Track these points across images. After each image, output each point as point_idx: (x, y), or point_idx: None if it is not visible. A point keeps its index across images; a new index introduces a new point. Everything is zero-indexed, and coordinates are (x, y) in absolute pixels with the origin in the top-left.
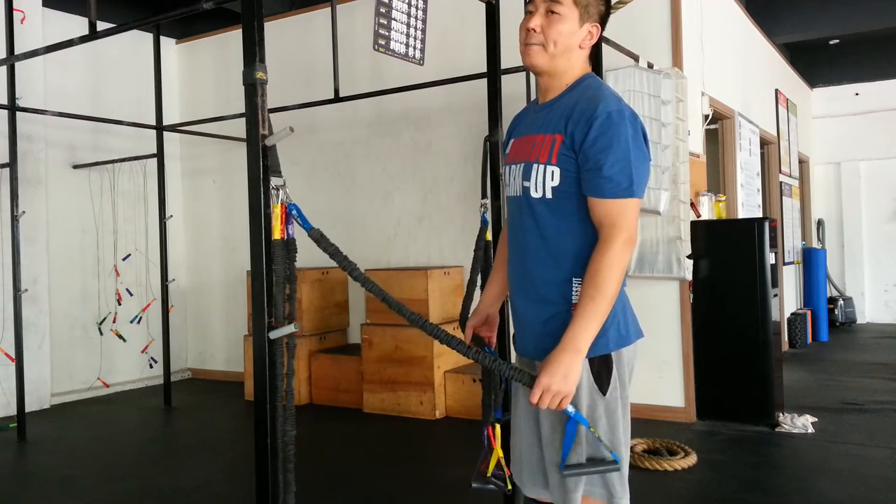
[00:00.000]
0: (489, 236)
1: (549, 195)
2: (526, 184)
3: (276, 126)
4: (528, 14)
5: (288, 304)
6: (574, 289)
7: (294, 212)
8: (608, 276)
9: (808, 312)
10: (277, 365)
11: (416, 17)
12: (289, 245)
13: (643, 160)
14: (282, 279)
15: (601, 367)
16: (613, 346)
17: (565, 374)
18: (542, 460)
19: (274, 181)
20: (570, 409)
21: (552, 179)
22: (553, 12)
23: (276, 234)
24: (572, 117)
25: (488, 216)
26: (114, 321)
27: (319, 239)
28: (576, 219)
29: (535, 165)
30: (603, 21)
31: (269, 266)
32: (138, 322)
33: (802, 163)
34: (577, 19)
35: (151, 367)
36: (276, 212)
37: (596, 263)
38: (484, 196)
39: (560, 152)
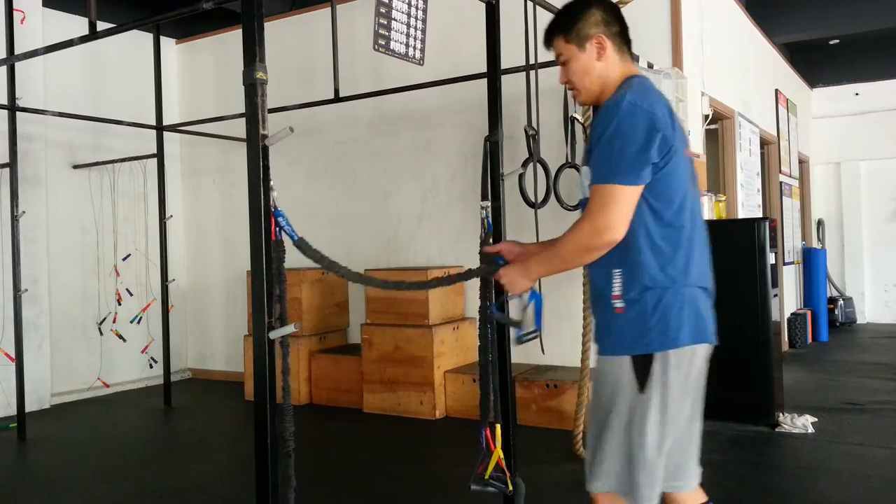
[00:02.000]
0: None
1: (587, 193)
2: (583, 188)
3: (276, 126)
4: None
5: (279, 305)
6: (614, 281)
7: (281, 219)
8: (566, 245)
9: (808, 312)
10: (283, 364)
11: (416, 17)
12: (277, 246)
13: (629, 144)
14: (274, 280)
15: (640, 365)
16: (657, 346)
17: (513, 277)
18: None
19: None
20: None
21: (587, 178)
22: (563, 64)
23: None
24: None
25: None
26: (114, 321)
27: (302, 246)
28: None
29: (582, 168)
30: (601, 23)
31: (270, 266)
32: (138, 322)
33: (802, 163)
34: (577, 50)
35: (151, 367)
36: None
37: (568, 230)
38: (484, 198)
39: (589, 152)
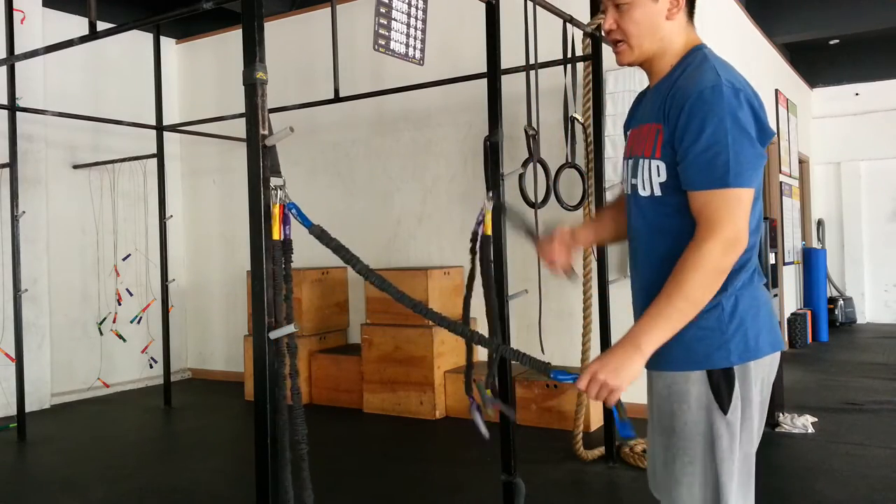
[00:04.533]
0: (489, 230)
1: (657, 192)
2: (633, 181)
3: (275, 126)
4: (602, 16)
5: (286, 305)
6: None
7: (294, 210)
8: (691, 278)
9: (808, 312)
10: (283, 364)
11: (416, 17)
12: (286, 246)
13: (746, 142)
14: (280, 280)
15: (721, 382)
16: (737, 358)
17: (616, 368)
18: (653, 467)
19: (273, 181)
20: (619, 415)
21: (658, 175)
22: (620, 4)
23: (275, 235)
24: (667, 102)
25: (487, 215)
26: (114, 321)
27: (321, 235)
28: (687, 218)
29: (641, 161)
30: None
31: (270, 266)
32: (138, 322)
33: (802, 163)
34: None
35: (151, 367)
36: (275, 212)
37: (682, 261)
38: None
39: (662, 144)
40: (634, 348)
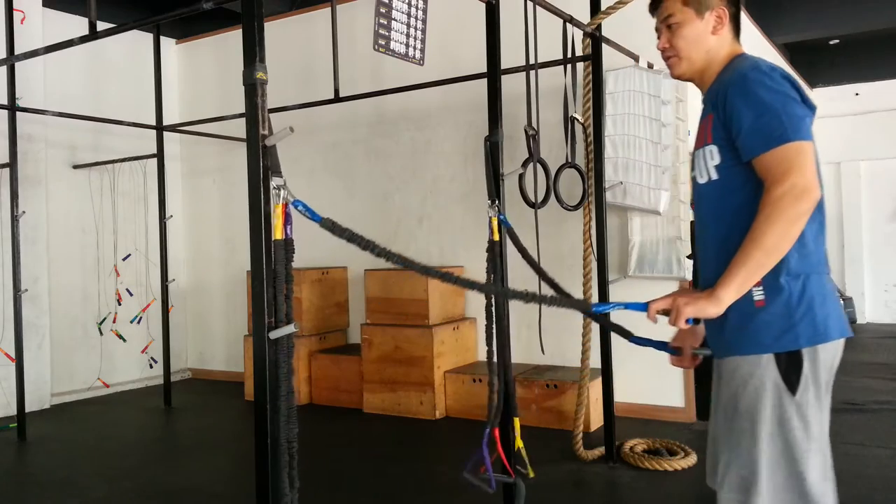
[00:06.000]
0: (497, 236)
1: (713, 175)
2: (693, 173)
3: (276, 126)
4: (658, 34)
5: (286, 304)
6: None
7: (300, 207)
8: (764, 226)
9: None
10: (281, 364)
11: (416, 17)
12: (287, 245)
13: (789, 102)
14: (282, 279)
15: (790, 365)
16: (805, 341)
17: (692, 302)
18: (713, 455)
19: (275, 181)
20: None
21: (712, 158)
22: (671, 25)
23: (278, 234)
24: (717, 94)
25: (493, 221)
26: (114, 321)
27: (332, 227)
28: (746, 195)
29: (697, 153)
30: None
31: (270, 266)
32: (138, 322)
33: None
34: (695, 16)
35: (151, 367)
36: (278, 212)
37: (756, 215)
38: (491, 198)
39: (713, 128)
40: (712, 295)
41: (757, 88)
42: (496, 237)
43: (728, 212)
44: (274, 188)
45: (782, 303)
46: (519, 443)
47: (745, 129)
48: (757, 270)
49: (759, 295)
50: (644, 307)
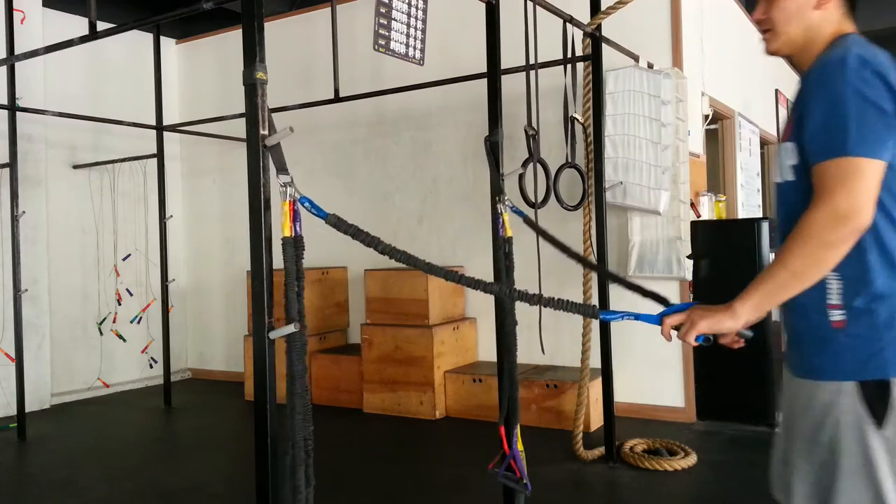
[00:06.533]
0: (509, 232)
1: (788, 176)
2: (774, 170)
3: (277, 125)
4: (754, 3)
5: (298, 302)
6: (829, 286)
7: (307, 203)
8: (792, 246)
9: None
10: (295, 362)
11: (416, 17)
12: (297, 242)
13: (867, 108)
14: (293, 277)
15: (876, 394)
16: (894, 370)
17: (707, 316)
18: (782, 476)
19: (281, 178)
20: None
21: (789, 157)
22: None
23: (286, 232)
24: (806, 82)
25: (504, 217)
26: (114, 321)
27: (337, 223)
28: None
29: (779, 147)
30: None
31: (270, 266)
32: (138, 322)
33: None
34: None
35: (151, 367)
36: (285, 209)
37: (793, 229)
38: (496, 193)
39: (794, 123)
40: (729, 308)
41: (835, 84)
42: (508, 233)
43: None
44: (281, 186)
45: (867, 325)
46: (519, 445)
47: (811, 132)
48: (779, 292)
49: (837, 315)
50: (657, 320)
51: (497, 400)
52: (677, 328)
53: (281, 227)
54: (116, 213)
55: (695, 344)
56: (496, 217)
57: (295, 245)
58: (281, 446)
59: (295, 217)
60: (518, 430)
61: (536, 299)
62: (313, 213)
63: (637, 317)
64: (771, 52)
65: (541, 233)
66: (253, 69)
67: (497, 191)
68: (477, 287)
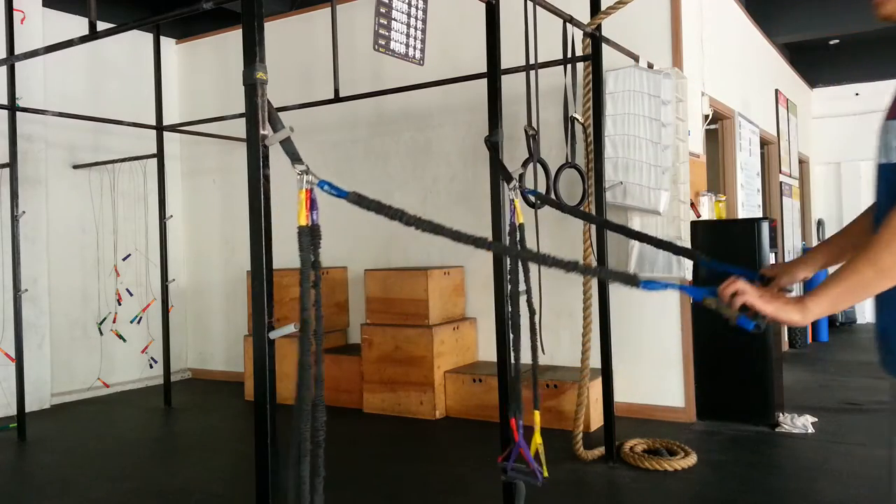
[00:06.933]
0: (520, 217)
1: (893, 158)
2: (878, 150)
3: (284, 123)
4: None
5: (315, 292)
6: None
7: (326, 187)
8: (881, 241)
9: None
10: (304, 356)
11: (416, 17)
12: (314, 232)
13: None
14: (308, 266)
15: None
16: None
17: (772, 301)
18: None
19: (297, 167)
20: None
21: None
22: None
23: (302, 221)
24: None
25: (515, 203)
26: (114, 321)
27: (359, 200)
28: None
29: (886, 123)
30: None
31: (270, 266)
32: (138, 322)
33: (802, 163)
34: None
35: (151, 367)
36: (301, 198)
37: (884, 223)
38: (507, 180)
39: None
40: (800, 302)
41: None
42: (520, 219)
43: None
44: (297, 174)
45: None
46: (537, 438)
47: None
48: (860, 290)
49: None
50: (712, 293)
51: (497, 400)
52: (736, 300)
53: (297, 217)
54: (116, 213)
55: (748, 328)
56: (497, 209)
57: (311, 234)
58: (293, 434)
59: (312, 206)
60: (538, 418)
61: (573, 266)
62: (333, 195)
63: (682, 288)
64: (883, 17)
65: (560, 207)
66: (253, 69)
67: (507, 178)
68: (508, 253)
